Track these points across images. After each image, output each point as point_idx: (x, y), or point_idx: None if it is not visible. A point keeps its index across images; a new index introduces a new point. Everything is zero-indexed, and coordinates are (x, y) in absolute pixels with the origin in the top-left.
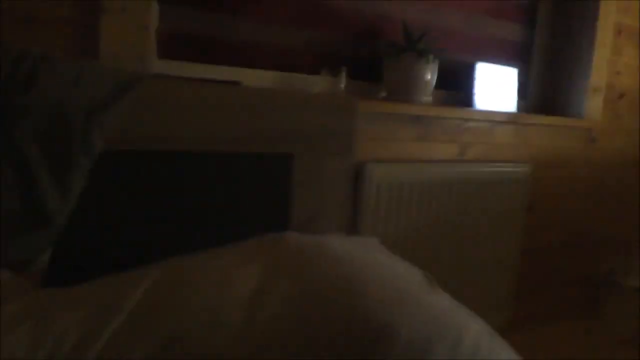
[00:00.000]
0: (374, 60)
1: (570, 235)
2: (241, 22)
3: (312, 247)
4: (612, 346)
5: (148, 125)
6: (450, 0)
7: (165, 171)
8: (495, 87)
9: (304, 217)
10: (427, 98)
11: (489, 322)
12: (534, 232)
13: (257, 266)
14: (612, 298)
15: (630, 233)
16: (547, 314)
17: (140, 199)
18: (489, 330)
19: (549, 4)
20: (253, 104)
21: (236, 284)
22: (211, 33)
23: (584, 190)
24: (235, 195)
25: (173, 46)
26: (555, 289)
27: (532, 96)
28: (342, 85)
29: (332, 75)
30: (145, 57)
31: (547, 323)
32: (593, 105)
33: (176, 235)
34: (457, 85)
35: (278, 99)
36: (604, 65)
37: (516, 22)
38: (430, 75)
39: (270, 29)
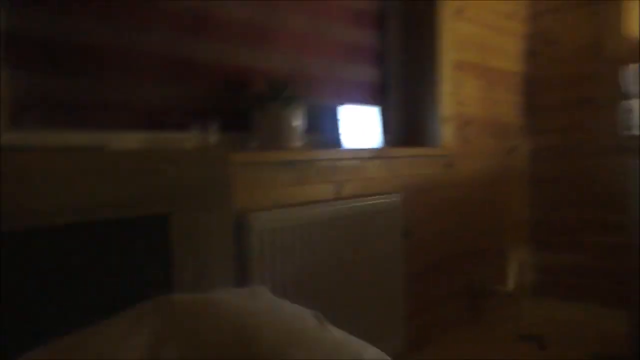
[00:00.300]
0: (243, 111)
1: (445, 253)
2: (103, 83)
3: (199, 306)
4: (497, 346)
5: (6, 202)
6: (309, 48)
7: (32, 248)
8: (362, 126)
9: (188, 276)
10: (298, 143)
11: (384, 347)
12: (413, 255)
13: (145, 334)
14: (490, 304)
15: (497, 243)
16: (436, 329)
17: (9, 279)
18: (383, 356)
19: (398, 47)
20: (120, 168)
21: (124, 356)
22: (72, 97)
23: (449, 210)
24: (112, 264)
25: (29, 115)
26: (440, 305)
27: (394, 130)
28: (213, 139)
29: (202, 130)
30: None
31: (438, 337)
32: (445, 133)
33: (53, 314)
34: (325, 127)
35: (145, 160)
36: (449, 97)
37: (372, 65)
38: (298, 121)
39: (134, 89)
